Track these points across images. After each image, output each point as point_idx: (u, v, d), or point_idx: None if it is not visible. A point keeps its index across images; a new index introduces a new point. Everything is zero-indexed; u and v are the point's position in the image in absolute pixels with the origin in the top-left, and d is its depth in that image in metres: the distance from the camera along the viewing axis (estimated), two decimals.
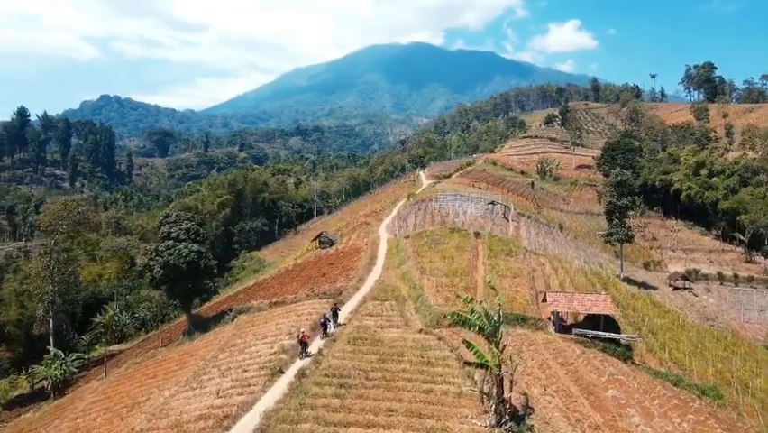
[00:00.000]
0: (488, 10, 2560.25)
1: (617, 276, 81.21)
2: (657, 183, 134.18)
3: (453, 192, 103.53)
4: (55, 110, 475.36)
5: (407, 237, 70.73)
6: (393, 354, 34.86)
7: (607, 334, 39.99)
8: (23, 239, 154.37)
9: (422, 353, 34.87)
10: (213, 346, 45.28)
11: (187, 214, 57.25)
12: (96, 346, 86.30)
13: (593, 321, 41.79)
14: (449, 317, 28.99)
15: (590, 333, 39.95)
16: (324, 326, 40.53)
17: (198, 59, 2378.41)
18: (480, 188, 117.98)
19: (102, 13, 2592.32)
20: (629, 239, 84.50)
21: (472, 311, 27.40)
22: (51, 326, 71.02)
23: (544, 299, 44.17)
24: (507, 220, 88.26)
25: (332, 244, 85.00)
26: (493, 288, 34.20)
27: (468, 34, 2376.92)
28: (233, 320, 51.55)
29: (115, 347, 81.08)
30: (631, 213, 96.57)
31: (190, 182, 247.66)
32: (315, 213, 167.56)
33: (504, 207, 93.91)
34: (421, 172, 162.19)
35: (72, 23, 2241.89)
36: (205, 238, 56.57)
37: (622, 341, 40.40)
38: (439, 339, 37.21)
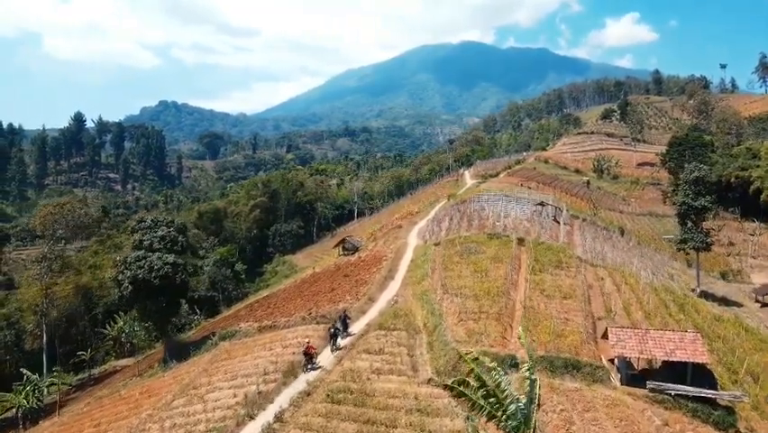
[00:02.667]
0: (540, 6, 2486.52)
1: (693, 290, 67.21)
2: (733, 181, 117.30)
3: (498, 192, 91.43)
4: (117, 116, 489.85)
5: (437, 244, 59.51)
6: (381, 421, 24.06)
7: (698, 390, 27.75)
8: (63, 241, 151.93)
9: (423, 421, 23.90)
10: (176, 385, 35.70)
11: (166, 219, 48.06)
12: (112, 358, 79.23)
13: (675, 367, 29.61)
14: (452, 384, 18.01)
15: (673, 388, 27.82)
16: (334, 336, 35.87)
17: (251, 63, 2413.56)
18: (529, 187, 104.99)
19: (161, 21, 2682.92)
20: (707, 247, 70.09)
21: (481, 384, 16.24)
22: (45, 340, 63.69)
23: (605, 335, 32.17)
24: (559, 224, 75.45)
25: (355, 250, 74.84)
26: (523, 340, 22.36)
27: (519, 32, 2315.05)
28: (215, 347, 41.97)
29: (123, 362, 73.65)
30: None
31: (232, 184, 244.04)
32: (355, 214, 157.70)
33: (555, 209, 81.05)
34: (466, 171, 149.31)
35: (133, 33, 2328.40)
36: (186, 248, 47.31)
37: (721, 400, 28.06)
38: (453, 396, 25.97)
